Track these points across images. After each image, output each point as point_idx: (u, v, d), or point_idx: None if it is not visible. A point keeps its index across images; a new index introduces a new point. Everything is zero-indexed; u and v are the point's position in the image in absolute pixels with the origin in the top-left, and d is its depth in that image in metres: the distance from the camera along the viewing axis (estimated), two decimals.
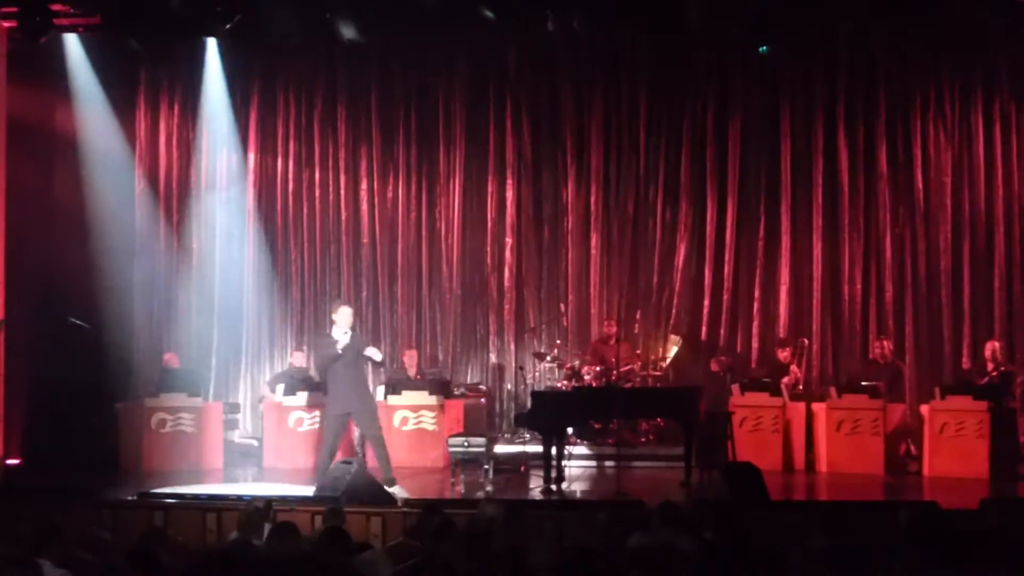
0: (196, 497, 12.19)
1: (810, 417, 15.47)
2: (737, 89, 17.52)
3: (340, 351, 13.02)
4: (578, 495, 13.40)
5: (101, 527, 9.82)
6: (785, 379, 15.99)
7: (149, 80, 18.04)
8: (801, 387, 16.23)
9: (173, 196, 18.04)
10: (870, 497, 13.07)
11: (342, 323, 13.20)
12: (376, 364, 14.74)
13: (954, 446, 14.61)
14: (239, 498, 11.57)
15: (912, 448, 15.61)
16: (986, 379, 15.57)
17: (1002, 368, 15.79)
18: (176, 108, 18.01)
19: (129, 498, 12.17)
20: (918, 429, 15.40)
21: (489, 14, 15.36)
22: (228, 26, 16.01)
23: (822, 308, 17.37)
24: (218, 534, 10.71)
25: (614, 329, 16.76)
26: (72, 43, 16.85)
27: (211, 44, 17.33)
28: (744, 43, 16.96)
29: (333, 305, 13.91)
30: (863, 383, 15.51)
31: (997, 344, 15.99)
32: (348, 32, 16.20)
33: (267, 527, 8.12)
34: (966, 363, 16.77)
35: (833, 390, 15.50)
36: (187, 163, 18.08)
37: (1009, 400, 15.45)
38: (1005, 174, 17.06)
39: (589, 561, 6.22)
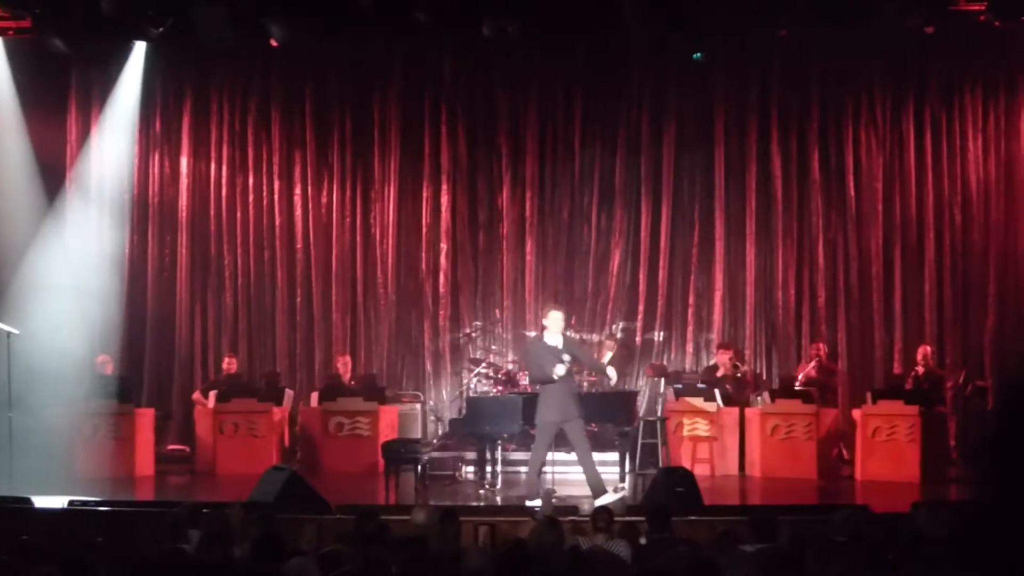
0: (127, 504, 12.07)
1: (743, 422, 15.53)
2: (671, 96, 17.61)
3: (566, 363, 12.34)
4: (513, 500, 13.36)
5: (34, 536, 9.68)
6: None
7: (80, 84, 17.85)
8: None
9: (105, 200, 17.83)
10: (803, 501, 13.12)
11: (554, 328, 12.59)
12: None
13: (886, 450, 14.72)
14: (168, 505, 11.46)
15: (844, 452, 15.72)
16: (917, 383, 15.72)
17: (933, 372, 15.95)
18: (108, 112, 17.80)
19: (60, 507, 12.01)
20: (850, 433, 15.51)
21: (423, 19, 15.30)
22: (160, 30, 15.86)
23: (756, 313, 17.48)
24: (150, 541, 10.62)
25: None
26: None
27: (140, 48, 17.13)
28: (678, 50, 17.02)
29: (544, 310, 13.34)
30: (795, 388, 15.61)
31: (928, 349, 16.17)
32: (281, 36, 16.09)
33: (197, 534, 8.03)
34: (897, 368, 16.91)
35: (767, 395, 15.59)
36: (118, 167, 17.86)
37: (940, 404, 15.59)
38: (935, 180, 17.25)
39: (524, 566, 6.20)
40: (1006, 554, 1.28)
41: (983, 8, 15.09)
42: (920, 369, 15.98)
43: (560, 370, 12.25)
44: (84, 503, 12.18)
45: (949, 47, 16.56)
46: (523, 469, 15.29)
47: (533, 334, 13.71)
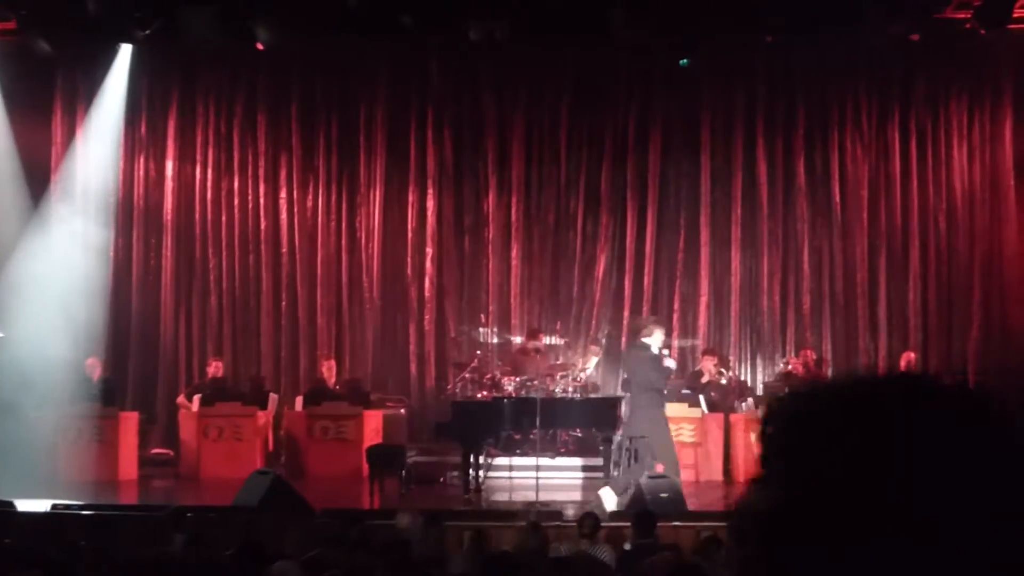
0: (111, 508, 12.04)
1: (728, 427, 15.54)
2: (658, 102, 17.63)
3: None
4: (497, 505, 13.35)
5: (17, 539, 9.65)
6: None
7: (65, 86, 17.78)
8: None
9: (90, 203, 17.78)
10: None
11: (655, 346, 13.35)
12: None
13: None
14: (152, 509, 11.45)
15: None
16: None
17: None
18: (93, 115, 17.73)
19: (43, 510, 11.98)
20: None
21: (410, 23, 15.29)
22: (147, 32, 15.83)
23: (741, 319, 17.51)
24: (134, 545, 10.59)
25: (539, 341, 16.73)
26: None
27: (126, 50, 17.09)
28: (665, 56, 17.03)
29: (648, 327, 13.76)
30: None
31: (912, 355, 16.23)
32: (267, 40, 16.06)
33: (181, 537, 8.02)
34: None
35: (751, 401, 15.60)
36: (104, 170, 17.81)
37: None
38: (920, 188, 17.30)
39: (508, 571, 6.20)
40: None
41: (968, 16, 15.13)
42: None
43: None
44: (67, 507, 12.15)
45: (934, 55, 16.62)
46: (507, 474, 15.36)
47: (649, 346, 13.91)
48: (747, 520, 1.42)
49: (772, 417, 1.44)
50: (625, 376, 13.75)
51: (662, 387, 13.82)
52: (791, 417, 1.42)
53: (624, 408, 13.52)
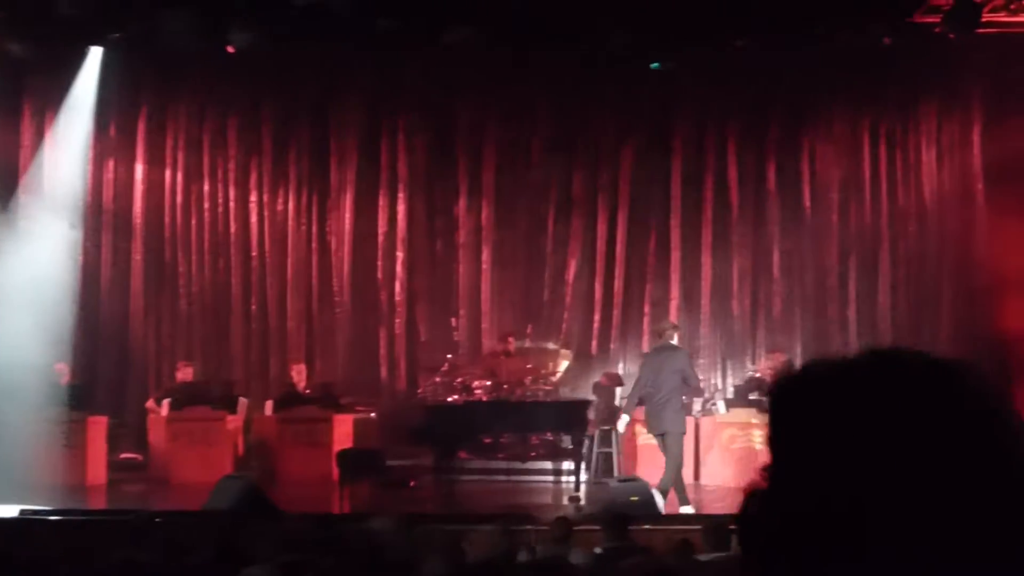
0: (81, 513, 11.97)
1: (699, 431, 15.56)
2: (629, 105, 17.66)
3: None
4: (470, 509, 13.33)
5: None
6: None
7: (35, 89, 17.62)
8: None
9: (59, 206, 17.63)
10: None
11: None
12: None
13: None
14: (122, 514, 11.37)
15: None
16: None
17: None
18: (62, 117, 17.58)
19: (12, 516, 11.90)
20: None
21: (383, 27, 15.25)
22: (119, 35, 15.74)
23: (711, 323, 17.55)
24: (103, 550, 10.52)
25: (510, 345, 16.72)
26: None
27: (96, 53, 16.98)
28: (637, 59, 17.02)
29: (670, 330, 13.83)
30: (751, 397, 15.66)
31: None
32: (240, 44, 15.98)
33: (150, 543, 7.96)
34: None
35: (722, 404, 15.63)
36: (73, 173, 17.68)
37: None
38: (890, 191, 17.37)
39: (482, 575, 6.19)
40: None
41: (938, 21, 15.19)
42: None
43: None
44: (36, 512, 12.07)
45: (904, 59, 16.64)
46: (477, 478, 15.36)
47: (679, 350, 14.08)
48: (758, 528, 1.42)
49: (777, 418, 1.44)
50: (642, 379, 13.59)
51: (699, 387, 14.48)
52: (795, 415, 1.42)
53: (650, 405, 13.42)
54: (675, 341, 13.61)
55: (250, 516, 11.09)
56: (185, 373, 16.86)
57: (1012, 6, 15.08)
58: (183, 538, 7.62)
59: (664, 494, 13.02)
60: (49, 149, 17.58)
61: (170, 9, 15.02)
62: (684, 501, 13.01)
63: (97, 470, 15.50)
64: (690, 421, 15.51)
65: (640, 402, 13.53)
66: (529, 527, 10.78)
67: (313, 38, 15.98)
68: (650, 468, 14.87)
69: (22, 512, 12.05)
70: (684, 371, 13.31)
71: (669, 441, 13.21)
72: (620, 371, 17.40)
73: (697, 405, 15.76)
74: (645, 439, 15.40)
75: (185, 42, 15.49)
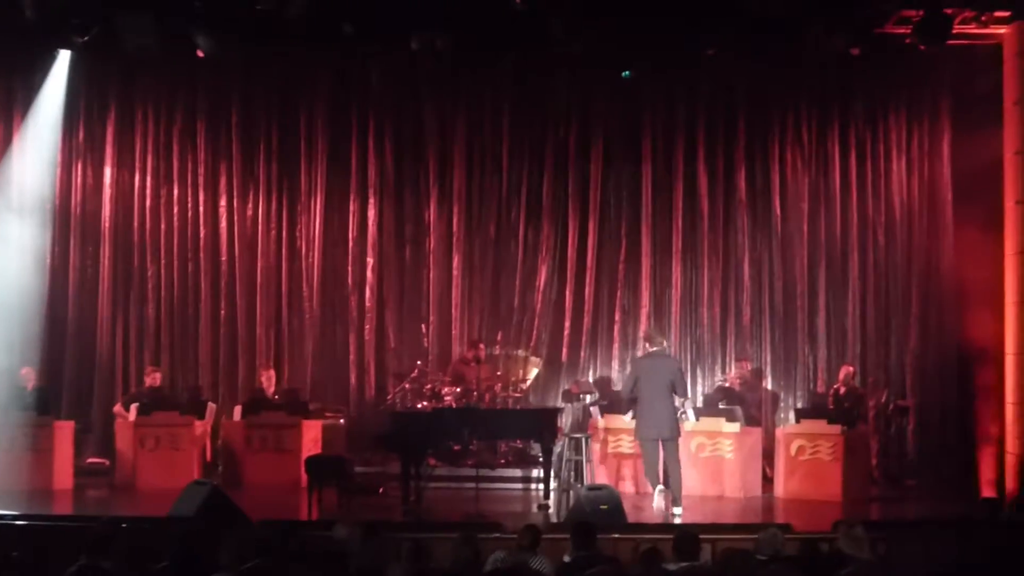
0: (46, 519, 11.89)
1: None
2: (599, 112, 17.67)
3: None
4: (436, 516, 13.29)
5: None
6: None
7: (1, 92, 17.38)
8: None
9: (26, 210, 17.51)
10: (726, 519, 13.18)
11: None
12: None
13: (808, 469, 14.84)
14: (88, 520, 11.30)
15: (768, 470, 15.78)
16: (839, 402, 15.86)
17: (855, 392, 16.11)
18: (30, 121, 17.44)
19: None
20: (774, 451, 15.57)
21: (351, 32, 15.20)
22: (85, 39, 15.63)
23: (681, 331, 17.56)
24: (67, 556, 10.45)
25: (480, 352, 16.70)
26: None
27: (64, 56, 16.88)
28: (607, 67, 17.01)
29: (659, 336, 14.72)
30: (720, 406, 15.68)
31: (851, 368, 16.36)
32: (208, 48, 15.89)
33: (114, 549, 7.91)
34: (820, 387, 17.03)
35: (691, 413, 15.63)
36: (40, 177, 17.55)
37: (862, 423, 15.75)
38: (860, 201, 17.41)
39: None
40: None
41: (908, 32, 15.24)
42: (842, 388, 16.13)
43: None
44: (2, 516, 11.99)
45: (874, 69, 16.68)
46: (447, 484, 15.32)
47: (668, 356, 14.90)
48: None
49: None
50: (630, 381, 14.09)
51: (687, 394, 14.72)
52: None
53: (646, 410, 13.81)
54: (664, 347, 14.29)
55: (215, 522, 11.04)
56: (153, 378, 16.78)
57: (983, 18, 15.12)
58: (146, 545, 7.58)
59: (678, 502, 13.50)
60: (17, 153, 17.46)
61: (130, 14, 14.92)
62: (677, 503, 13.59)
63: (63, 475, 15.40)
64: None
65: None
66: (496, 535, 10.76)
67: (276, 43, 15.91)
68: (620, 476, 14.91)
69: None
70: (676, 378, 13.85)
71: (672, 447, 13.73)
72: (590, 379, 17.41)
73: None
74: (614, 447, 15.42)
75: (147, 47, 15.37)
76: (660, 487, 13.76)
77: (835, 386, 16.29)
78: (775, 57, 16.05)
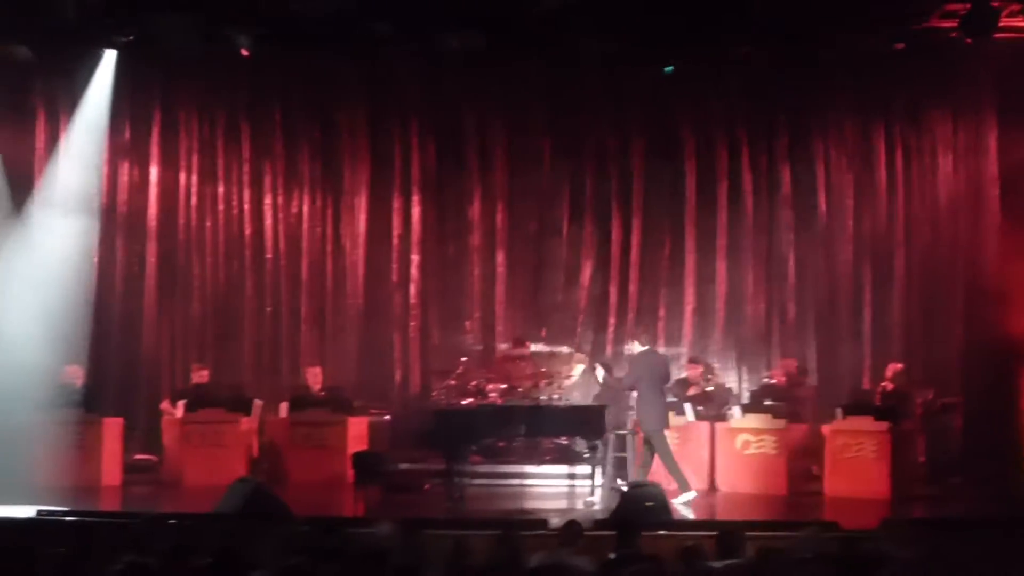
0: (94, 515, 11.98)
1: (713, 436, 15.51)
2: (641, 109, 17.64)
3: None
4: (479, 513, 13.30)
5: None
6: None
7: (48, 92, 17.53)
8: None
9: (73, 209, 17.60)
10: (771, 517, 13.11)
11: None
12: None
13: (854, 466, 14.73)
14: (134, 516, 11.40)
15: (814, 468, 15.68)
16: (885, 399, 15.74)
17: (902, 389, 15.97)
18: (76, 120, 17.51)
19: (28, 516, 11.91)
20: (819, 449, 15.47)
21: (392, 31, 15.22)
22: (131, 38, 15.73)
23: (726, 328, 17.50)
24: (113, 552, 10.51)
25: (524, 349, 16.70)
26: None
27: (110, 56, 16.97)
28: (649, 64, 16.95)
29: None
30: (765, 403, 15.61)
31: (898, 365, 16.19)
32: (251, 47, 15.95)
33: (159, 545, 7.95)
34: (867, 384, 16.90)
35: (736, 409, 15.58)
36: (87, 176, 17.65)
37: (908, 421, 15.61)
38: (905, 197, 17.27)
39: None
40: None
41: (955, 25, 15.11)
42: (889, 385, 16.00)
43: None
44: (52, 512, 12.08)
45: (919, 64, 16.54)
46: (490, 482, 15.32)
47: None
48: None
49: None
50: (635, 375, 14.54)
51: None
52: None
53: (652, 403, 14.26)
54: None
55: (259, 519, 11.10)
56: (200, 375, 16.86)
57: None
58: (188, 541, 7.61)
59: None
60: (63, 152, 17.57)
61: (172, 14, 15.00)
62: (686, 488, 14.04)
63: (112, 471, 15.54)
64: (699, 426, 15.51)
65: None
66: (539, 532, 10.75)
67: (316, 42, 15.94)
68: (665, 473, 14.87)
69: (39, 512, 12.07)
70: (668, 373, 14.74)
71: (656, 440, 14.18)
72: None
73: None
74: None
75: (188, 47, 15.44)
76: (694, 493, 13.98)
77: (882, 383, 16.16)
78: (818, 53, 15.96)
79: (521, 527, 9.80)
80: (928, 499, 14.92)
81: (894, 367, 16.19)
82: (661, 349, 16.43)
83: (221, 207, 18.02)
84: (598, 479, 14.38)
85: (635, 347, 14.91)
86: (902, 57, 15.99)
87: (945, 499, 14.99)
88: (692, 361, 16.73)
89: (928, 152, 17.24)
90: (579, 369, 17.15)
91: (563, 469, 15.95)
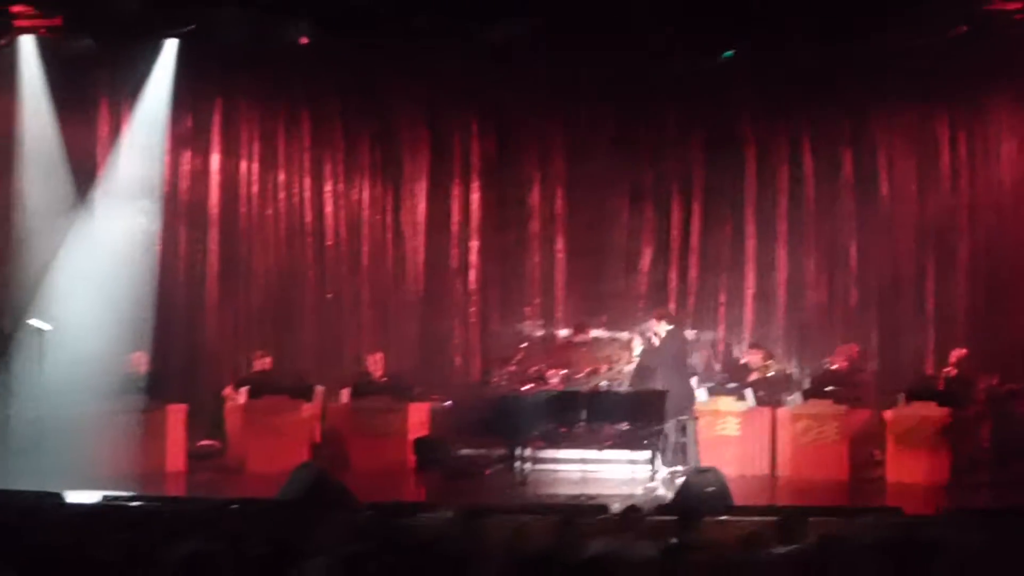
0: (159, 500, 12.09)
1: (774, 422, 15.45)
2: (701, 95, 17.49)
3: None
4: (541, 499, 13.31)
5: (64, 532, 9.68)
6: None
7: (110, 81, 17.66)
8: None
9: (135, 197, 17.76)
10: (833, 502, 13.04)
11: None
12: None
13: (917, 452, 14.61)
14: (198, 502, 11.50)
15: (876, 453, 15.58)
16: (949, 385, 15.61)
17: (965, 375, 15.82)
18: (138, 109, 17.66)
19: (94, 502, 12.02)
20: (882, 434, 15.37)
21: (449, 19, 15.24)
22: (191, 27, 15.83)
23: (787, 313, 17.41)
24: (176, 538, 10.60)
25: (585, 334, 16.71)
26: (27, 45, 16.61)
27: (171, 46, 17.07)
28: (708, 49, 16.84)
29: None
30: (826, 389, 15.51)
31: (963, 351, 16.03)
32: (310, 35, 16.01)
33: (222, 531, 8.01)
34: (930, 369, 16.77)
35: (798, 395, 15.51)
36: (149, 164, 17.79)
37: (971, 407, 15.46)
38: (969, 182, 17.11)
39: (542, 568, 6.17)
40: None
41: (1019, 7, 14.92)
42: (952, 371, 15.86)
43: None
44: (117, 498, 12.20)
45: (982, 47, 16.33)
46: (552, 467, 15.32)
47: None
48: None
49: None
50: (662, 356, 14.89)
51: None
52: None
53: (685, 384, 14.65)
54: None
55: (319, 505, 11.15)
56: (263, 362, 16.98)
57: None
58: (248, 528, 7.67)
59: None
60: (125, 142, 17.71)
61: (230, 7, 15.09)
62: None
63: (176, 457, 15.70)
64: (760, 412, 15.44)
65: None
66: (600, 517, 10.75)
67: (373, 31, 15.96)
68: (725, 459, 14.82)
69: (105, 498, 12.19)
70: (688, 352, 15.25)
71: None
72: (695, 360, 17.30)
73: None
74: (721, 429, 15.34)
75: (247, 38, 15.54)
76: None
77: (945, 369, 16.01)
78: (880, 37, 15.80)
79: (582, 513, 9.80)
80: (993, 485, 14.78)
81: (958, 352, 16.03)
82: (689, 332, 16.83)
83: (282, 195, 18.13)
84: (658, 464, 14.36)
85: (661, 327, 14.89)
86: (964, 41, 15.80)
87: (1010, 485, 14.84)
88: (753, 346, 16.66)
89: (992, 137, 17.06)
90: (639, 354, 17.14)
91: (624, 454, 15.92)
